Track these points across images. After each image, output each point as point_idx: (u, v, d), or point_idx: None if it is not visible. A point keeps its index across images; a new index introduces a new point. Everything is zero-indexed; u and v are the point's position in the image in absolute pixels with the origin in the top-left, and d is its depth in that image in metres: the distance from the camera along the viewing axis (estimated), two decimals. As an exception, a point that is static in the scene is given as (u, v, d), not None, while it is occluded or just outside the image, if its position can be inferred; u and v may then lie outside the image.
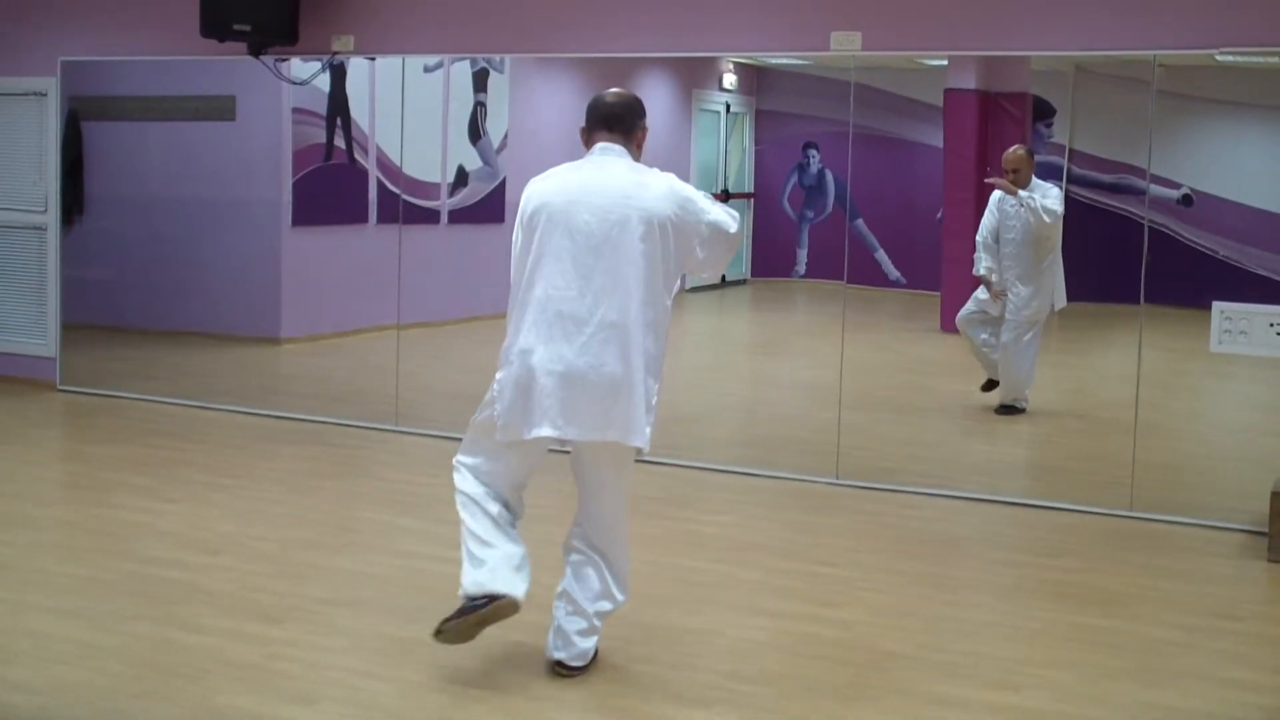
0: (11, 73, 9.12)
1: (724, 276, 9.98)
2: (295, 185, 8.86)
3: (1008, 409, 7.68)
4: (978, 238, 7.62)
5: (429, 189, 8.78)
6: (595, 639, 4.34)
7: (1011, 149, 7.54)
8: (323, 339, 9.16)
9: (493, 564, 4.20)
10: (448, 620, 4.18)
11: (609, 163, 4.26)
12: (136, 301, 9.49)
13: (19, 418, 8.25)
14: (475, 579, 4.20)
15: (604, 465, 4.27)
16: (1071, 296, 8.36)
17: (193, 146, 9.25)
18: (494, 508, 4.28)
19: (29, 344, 9.24)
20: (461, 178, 8.88)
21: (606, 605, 4.35)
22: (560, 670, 4.31)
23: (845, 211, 8.13)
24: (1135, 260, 6.84)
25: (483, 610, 4.16)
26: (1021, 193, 7.36)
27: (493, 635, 4.58)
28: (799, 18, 7.14)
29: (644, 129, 4.40)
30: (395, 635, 4.64)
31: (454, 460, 4.39)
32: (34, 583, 5.14)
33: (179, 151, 9.31)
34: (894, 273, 8.41)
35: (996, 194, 7.52)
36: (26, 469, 7.12)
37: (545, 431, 4.14)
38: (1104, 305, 8.14)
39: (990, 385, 7.82)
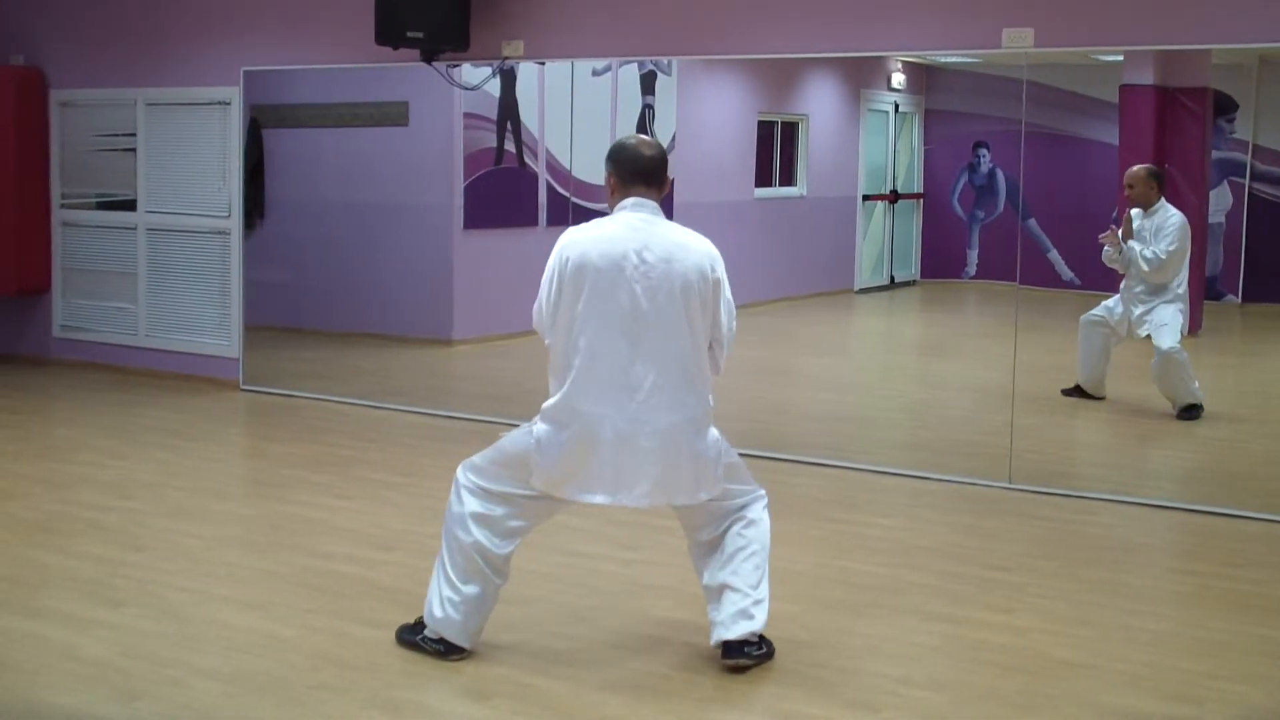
0: (197, 83, 9.44)
1: (892, 277, 9.98)
2: (467, 189, 9.01)
3: (1188, 411, 7.47)
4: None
5: (598, 191, 8.77)
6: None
7: (1135, 168, 7.45)
8: (493, 340, 9.29)
9: (456, 610, 4.35)
10: (409, 632, 4.49)
11: (649, 222, 4.19)
12: (314, 303, 9.75)
13: (204, 416, 8.54)
14: (434, 617, 4.38)
15: (683, 509, 4.34)
16: (1253, 297, 8.09)
17: (367, 152, 9.47)
18: (474, 536, 4.34)
19: (214, 344, 9.53)
20: (629, 180, 8.93)
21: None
22: (738, 656, 4.31)
23: (1017, 211, 7.98)
24: (1324, 259, 6.61)
25: (438, 650, 4.40)
26: (1126, 244, 7.43)
27: (660, 636, 4.61)
28: (970, 15, 7.02)
29: (669, 180, 4.38)
30: (563, 633, 4.69)
31: (462, 474, 4.44)
32: (219, 575, 5.32)
33: (354, 157, 9.54)
34: (1067, 273, 8.24)
35: (1132, 210, 7.50)
36: (211, 465, 7.37)
37: (598, 499, 4.21)
38: (1288, 307, 7.88)
39: (1076, 390, 7.80)
